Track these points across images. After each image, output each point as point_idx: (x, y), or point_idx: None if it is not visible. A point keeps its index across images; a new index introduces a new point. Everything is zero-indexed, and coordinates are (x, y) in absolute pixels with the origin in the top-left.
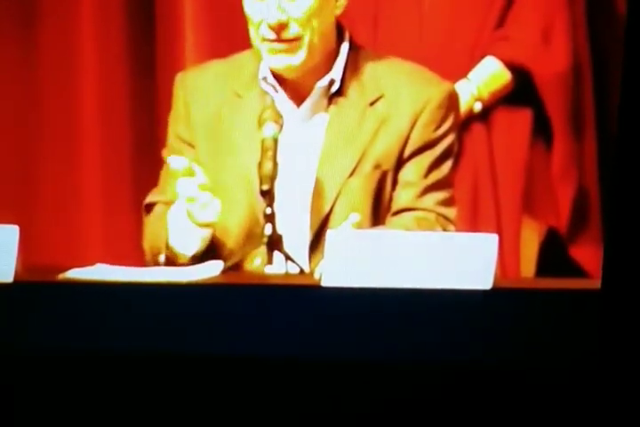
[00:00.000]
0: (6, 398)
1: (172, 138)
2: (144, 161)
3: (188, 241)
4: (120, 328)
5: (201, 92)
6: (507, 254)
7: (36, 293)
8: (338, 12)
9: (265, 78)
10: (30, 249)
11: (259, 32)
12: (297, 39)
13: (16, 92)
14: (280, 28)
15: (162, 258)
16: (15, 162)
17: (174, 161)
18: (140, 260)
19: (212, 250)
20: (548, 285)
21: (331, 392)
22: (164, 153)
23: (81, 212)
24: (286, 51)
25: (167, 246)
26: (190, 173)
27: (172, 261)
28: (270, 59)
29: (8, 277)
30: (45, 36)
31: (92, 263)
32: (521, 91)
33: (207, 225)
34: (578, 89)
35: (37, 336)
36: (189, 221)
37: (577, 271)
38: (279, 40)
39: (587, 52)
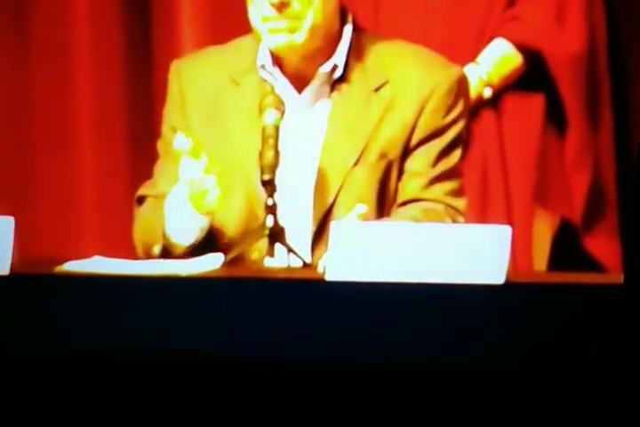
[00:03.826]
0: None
1: (165, 128)
2: (140, 152)
3: (186, 230)
4: (118, 322)
5: (197, 81)
6: (518, 247)
7: (33, 285)
8: None
9: (263, 66)
10: (27, 241)
11: (259, 11)
12: (298, 17)
13: (9, 84)
14: (282, 5)
15: (156, 249)
16: (10, 153)
17: (179, 141)
18: None
19: (210, 242)
20: (562, 279)
21: (332, 392)
22: (159, 145)
23: (77, 203)
24: (287, 29)
25: (163, 236)
26: (195, 155)
27: (167, 251)
28: (271, 38)
29: (4, 270)
30: (38, 26)
31: (89, 256)
32: (533, 75)
33: (207, 212)
34: (594, 72)
35: (33, 329)
36: (189, 206)
37: (591, 265)
38: (280, 18)
39: (603, 32)
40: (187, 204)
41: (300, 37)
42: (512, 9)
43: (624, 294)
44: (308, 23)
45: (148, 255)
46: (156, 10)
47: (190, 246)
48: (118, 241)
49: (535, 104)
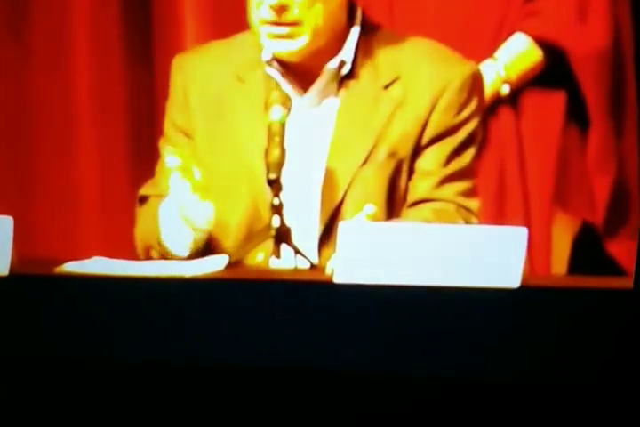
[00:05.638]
0: None
1: (168, 126)
2: (142, 152)
3: (181, 241)
4: (118, 324)
5: (200, 77)
6: (536, 250)
7: (33, 286)
8: None
9: (269, 61)
10: (26, 241)
11: (258, 13)
12: (297, 24)
13: (9, 83)
14: (281, 10)
15: (155, 253)
16: (10, 153)
17: (169, 159)
18: None
19: (210, 246)
20: (582, 283)
21: (340, 400)
22: (161, 143)
23: (78, 203)
24: (286, 35)
25: (159, 244)
26: (185, 173)
27: (165, 258)
28: (270, 43)
29: (4, 270)
30: (37, 23)
31: (89, 256)
32: (553, 71)
33: (201, 230)
34: (618, 69)
35: (33, 330)
36: (181, 222)
37: (613, 269)
38: (279, 23)
39: (628, 27)
40: (179, 219)
41: (300, 43)
42: (532, 3)
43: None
44: (307, 29)
45: (148, 256)
46: (156, 3)
47: (188, 257)
48: (119, 241)
49: (556, 102)
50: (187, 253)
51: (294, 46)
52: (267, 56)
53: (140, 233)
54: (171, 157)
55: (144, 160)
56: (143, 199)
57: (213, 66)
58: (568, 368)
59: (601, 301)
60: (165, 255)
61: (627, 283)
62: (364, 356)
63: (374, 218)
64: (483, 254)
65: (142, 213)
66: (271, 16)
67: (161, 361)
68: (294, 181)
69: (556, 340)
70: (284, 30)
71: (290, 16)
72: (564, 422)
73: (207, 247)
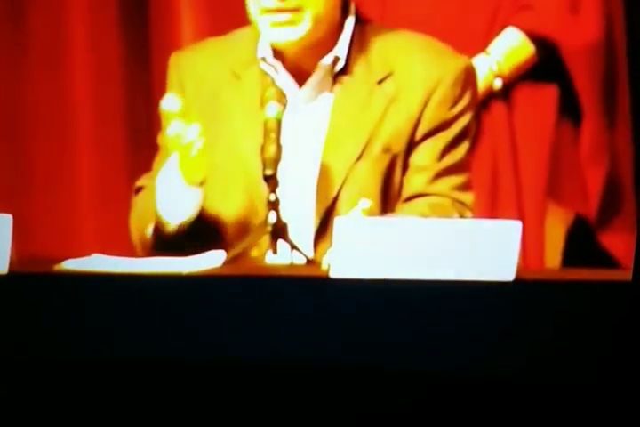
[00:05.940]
0: None
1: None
2: (140, 149)
3: (176, 204)
4: (118, 321)
5: (197, 74)
6: (530, 243)
7: (32, 284)
8: None
9: (264, 58)
10: (25, 239)
11: (259, 3)
12: (299, 10)
13: (6, 79)
14: None
15: (149, 231)
16: (7, 150)
17: (168, 101)
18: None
19: (208, 237)
20: (574, 275)
21: (337, 396)
22: (159, 138)
23: (76, 201)
24: (288, 22)
25: (155, 216)
26: (185, 118)
27: (159, 231)
28: (271, 32)
29: (3, 269)
30: (35, 22)
31: (88, 254)
32: (546, 65)
33: (198, 182)
34: (611, 62)
35: (32, 329)
36: (179, 177)
37: (608, 262)
38: (281, 10)
39: (621, 20)
40: (177, 175)
41: (303, 30)
42: None
43: (633, 289)
44: (309, 14)
45: (143, 241)
46: (153, 2)
47: (181, 226)
48: (118, 239)
49: (548, 96)
50: (180, 220)
51: (295, 34)
52: (261, 53)
53: (135, 218)
54: (171, 99)
55: (142, 158)
56: (139, 190)
57: (209, 63)
58: (564, 363)
59: (597, 294)
60: (160, 228)
61: (622, 275)
62: (360, 351)
63: (369, 213)
64: (477, 248)
65: (137, 200)
66: (273, 3)
67: (160, 358)
68: (290, 177)
69: (552, 333)
70: (286, 17)
71: (291, 2)
72: (560, 417)
73: (204, 239)
